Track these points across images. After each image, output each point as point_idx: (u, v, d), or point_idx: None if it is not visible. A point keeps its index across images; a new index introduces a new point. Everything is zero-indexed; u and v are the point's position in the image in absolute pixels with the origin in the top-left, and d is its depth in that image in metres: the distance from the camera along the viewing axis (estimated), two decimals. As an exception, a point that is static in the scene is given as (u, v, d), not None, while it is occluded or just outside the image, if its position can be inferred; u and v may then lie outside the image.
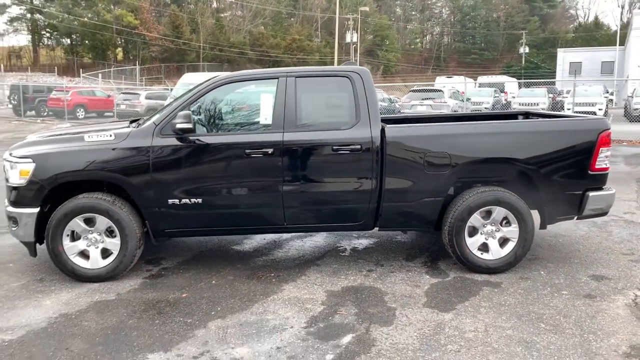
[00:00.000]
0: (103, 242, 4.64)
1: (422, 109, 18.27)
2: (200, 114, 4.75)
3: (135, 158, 4.54)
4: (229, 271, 4.92)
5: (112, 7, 51.42)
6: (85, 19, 49.38)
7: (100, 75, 41.66)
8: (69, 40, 54.30)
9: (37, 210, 4.55)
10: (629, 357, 3.36)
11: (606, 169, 4.85)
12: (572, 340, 3.57)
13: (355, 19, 63.57)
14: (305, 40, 71.74)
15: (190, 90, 4.91)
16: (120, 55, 56.12)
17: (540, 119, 5.51)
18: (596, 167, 4.78)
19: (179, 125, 4.42)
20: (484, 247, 4.81)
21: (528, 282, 4.60)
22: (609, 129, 4.83)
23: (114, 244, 4.62)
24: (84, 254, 4.64)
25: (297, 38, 70.39)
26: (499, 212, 4.74)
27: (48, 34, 54.30)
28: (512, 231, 4.76)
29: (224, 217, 4.70)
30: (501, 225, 4.80)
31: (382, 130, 4.68)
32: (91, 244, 4.63)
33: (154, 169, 4.54)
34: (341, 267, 5.03)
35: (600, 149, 4.76)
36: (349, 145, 4.61)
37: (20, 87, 28.02)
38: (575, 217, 5.00)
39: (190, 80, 26.22)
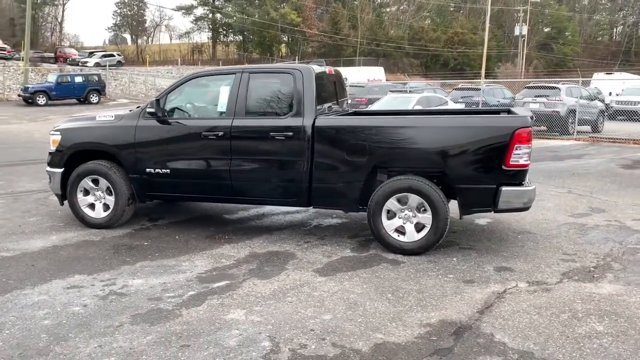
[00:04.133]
0: (104, 198, 6.05)
1: (535, 107, 17.50)
2: (174, 102, 5.89)
3: (125, 134, 5.87)
4: (199, 232, 6.03)
5: (279, 5, 55.48)
6: (255, 18, 54.12)
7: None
8: (241, 37, 60.11)
9: (61, 170, 6.11)
10: (426, 327, 3.74)
11: (523, 165, 4.96)
12: (396, 309, 4.02)
13: (528, 11, 59.87)
14: (468, 34, 69.79)
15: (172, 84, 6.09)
16: (283, 51, 60.49)
17: (457, 116, 5.69)
18: (511, 163, 4.94)
19: (148, 110, 5.66)
20: (402, 230, 5.26)
21: (429, 264, 4.98)
22: (527, 126, 4.94)
23: (111, 200, 6.00)
24: (92, 206, 6.10)
25: (460, 31, 68.80)
26: (413, 199, 5.16)
27: (224, 32, 60.63)
28: (427, 218, 5.15)
29: (186, 186, 5.81)
30: (418, 212, 5.21)
31: (315, 120, 5.39)
32: (97, 199, 6.08)
33: (137, 144, 5.82)
34: (287, 237, 5.84)
35: (515, 145, 4.91)
36: (283, 131, 5.41)
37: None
38: (493, 210, 5.17)
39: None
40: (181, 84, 5.89)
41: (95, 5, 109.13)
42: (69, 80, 30.91)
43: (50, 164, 6.22)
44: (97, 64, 48.17)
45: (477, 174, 5.04)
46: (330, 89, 6.21)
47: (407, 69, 63.54)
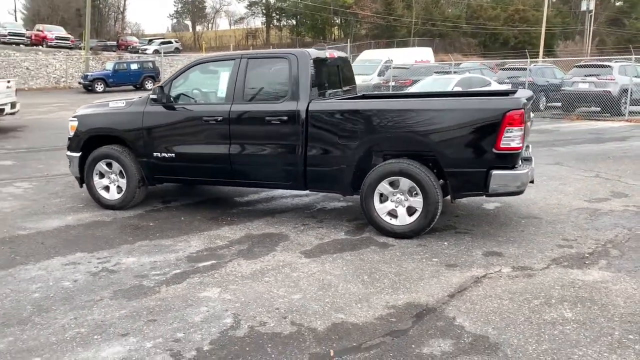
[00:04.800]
0: (118, 181, 6.37)
1: (584, 86, 16.72)
2: (180, 89, 6.09)
3: (134, 120, 6.14)
4: (205, 214, 6.25)
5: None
6: (308, 1, 54.08)
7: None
8: (294, 21, 60.30)
9: (79, 154, 6.47)
10: (390, 308, 3.78)
11: (515, 148, 4.83)
12: (367, 290, 4.07)
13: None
14: (530, 11, 66.89)
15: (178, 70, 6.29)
16: (335, 33, 60.18)
17: (449, 98, 5.56)
18: (501, 146, 4.82)
19: (151, 97, 5.89)
20: (394, 213, 5.27)
21: (418, 248, 4.97)
22: (518, 108, 4.80)
23: (124, 183, 6.32)
24: (107, 188, 6.44)
25: (521, 8, 66.03)
26: (404, 182, 5.15)
27: (277, 16, 60.98)
28: (418, 202, 5.13)
29: (190, 169, 6.03)
30: (410, 196, 5.19)
31: (309, 104, 5.45)
32: (111, 182, 6.41)
33: (145, 128, 6.08)
34: (288, 220, 5.97)
35: (506, 128, 4.79)
36: (278, 116, 5.51)
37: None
38: (484, 194, 5.08)
39: (368, 57, 27.73)
40: (185, 70, 6.08)
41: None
42: (125, 67, 32.19)
43: (69, 149, 6.60)
44: (156, 51, 49.73)
45: (467, 157, 4.96)
46: (334, 74, 6.24)
47: (464, 48, 61.80)
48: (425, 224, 5.14)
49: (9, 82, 14.45)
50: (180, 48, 56.43)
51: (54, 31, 41.50)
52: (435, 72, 20.77)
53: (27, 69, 35.09)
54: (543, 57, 34.34)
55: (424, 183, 5.04)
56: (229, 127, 5.70)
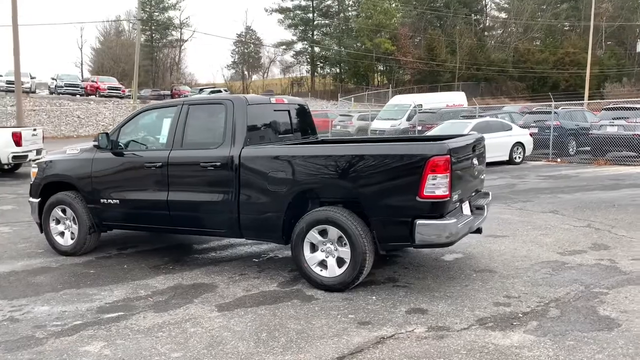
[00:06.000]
0: (71, 227, 6.40)
1: (612, 130, 15.91)
2: (128, 135, 6.13)
3: (84, 166, 6.19)
4: (153, 261, 6.14)
5: (374, 35, 55.94)
6: (351, 50, 55.05)
7: (352, 98, 46.01)
8: (337, 69, 61.34)
9: (38, 200, 6.57)
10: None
11: (440, 196, 4.50)
12: (256, 349, 3.79)
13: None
14: (581, 53, 65.33)
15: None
16: (377, 80, 60.68)
17: (372, 144, 5.28)
18: (425, 194, 4.51)
19: (93, 143, 5.94)
20: (325, 264, 4.99)
21: (342, 302, 4.65)
22: (442, 154, 4.48)
23: (76, 229, 6.33)
24: (62, 234, 6.47)
25: (571, 51, 64.67)
26: (332, 231, 4.88)
27: (321, 64, 62.25)
28: (346, 252, 4.84)
29: (133, 216, 5.98)
30: (339, 246, 4.91)
31: (241, 150, 5.32)
32: (66, 228, 6.45)
33: (93, 175, 6.12)
34: (229, 269, 5.77)
35: (429, 175, 4.48)
36: (212, 162, 5.40)
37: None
38: (412, 246, 4.72)
39: (398, 101, 27.62)
40: (133, 117, 6.13)
41: (214, 45, 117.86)
42: (166, 115, 33.33)
43: (30, 194, 6.72)
44: (205, 99, 51.76)
45: (391, 205, 4.66)
46: (283, 121, 6.11)
47: (511, 92, 60.75)
48: (353, 276, 4.82)
49: (34, 129, 15.21)
50: (229, 96, 58.36)
51: (107, 82, 43.89)
52: (462, 117, 20.36)
53: (78, 117, 37.09)
54: (586, 100, 33.13)
55: (350, 232, 4.75)
56: (167, 174, 5.65)
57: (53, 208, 6.42)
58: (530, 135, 16.64)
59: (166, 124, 5.88)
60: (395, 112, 25.28)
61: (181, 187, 5.63)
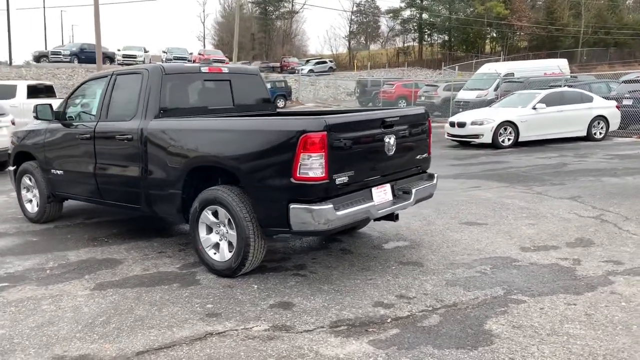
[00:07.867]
0: (36, 195, 6.63)
1: (627, 103, 13.92)
2: (75, 106, 6.13)
3: (39, 137, 6.34)
4: (100, 232, 6.17)
5: (485, -1, 52.34)
6: (460, 15, 52.03)
7: (456, 67, 43.66)
8: (446, 36, 58.35)
9: (14, 168, 6.88)
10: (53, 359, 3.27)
11: (314, 178, 3.90)
12: (71, 335, 3.60)
13: None
14: None
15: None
16: (488, 47, 56.80)
17: (254, 119, 4.65)
18: (299, 175, 3.94)
19: (32, 114, 6.02)
20: (219, 248, 4.64)
21: (218, 290, 4.30)
22: (317, 130, 3.87)
23: (37, 197, 6.55)
24: (30, 202, 6.74)
25: None
26: (221, 212, 4.51)
27: (428, 32, 59.58)
28: (233, 235, 4.45)
29: (73, 186, 6.01)
30: (229, 229, 4.52)
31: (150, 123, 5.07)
32: (33, 196, 6.70)
33: (45, 146, 6.24)
34: (154, 247, 5.62)
35: (302, 154, 3.90)
36: (124, 134, 5.22)
37: (361, 82, 32.68)
38: (290, 232, 4.17)
39: (487, 69, 25.55)
40: (76, 89, 6.12)
41: (326, 15, 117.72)
42: (259, 86, 33.99)
43: (10, 164, 7.06)
44: (311, 71, 52.09)
45: (268, 186, 4.16)
46: (218, 92, 5.74)
47: (647, 58, 53.96)
48: (238, 262, 4.42)
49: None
50: (335, 67, 58.16)
51: (213, 54, 45.73)
52: (550, 86, 18.34)
53: (183, 89, 39.11)
54: None
55: (234, 214, 4.34)
56: (94, 146, 5.58)
57: (22, 176, 6.68)
58: (618, 107, 14.51)
59: (98, 95, 5.79)
60: (483, 82, 23.44)
61: (104, 160, 5.53)
